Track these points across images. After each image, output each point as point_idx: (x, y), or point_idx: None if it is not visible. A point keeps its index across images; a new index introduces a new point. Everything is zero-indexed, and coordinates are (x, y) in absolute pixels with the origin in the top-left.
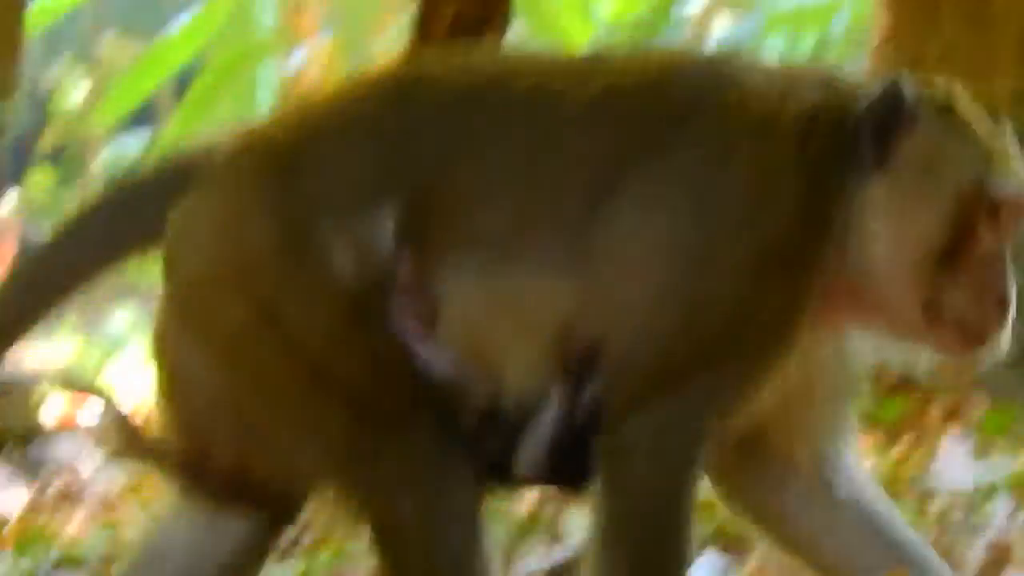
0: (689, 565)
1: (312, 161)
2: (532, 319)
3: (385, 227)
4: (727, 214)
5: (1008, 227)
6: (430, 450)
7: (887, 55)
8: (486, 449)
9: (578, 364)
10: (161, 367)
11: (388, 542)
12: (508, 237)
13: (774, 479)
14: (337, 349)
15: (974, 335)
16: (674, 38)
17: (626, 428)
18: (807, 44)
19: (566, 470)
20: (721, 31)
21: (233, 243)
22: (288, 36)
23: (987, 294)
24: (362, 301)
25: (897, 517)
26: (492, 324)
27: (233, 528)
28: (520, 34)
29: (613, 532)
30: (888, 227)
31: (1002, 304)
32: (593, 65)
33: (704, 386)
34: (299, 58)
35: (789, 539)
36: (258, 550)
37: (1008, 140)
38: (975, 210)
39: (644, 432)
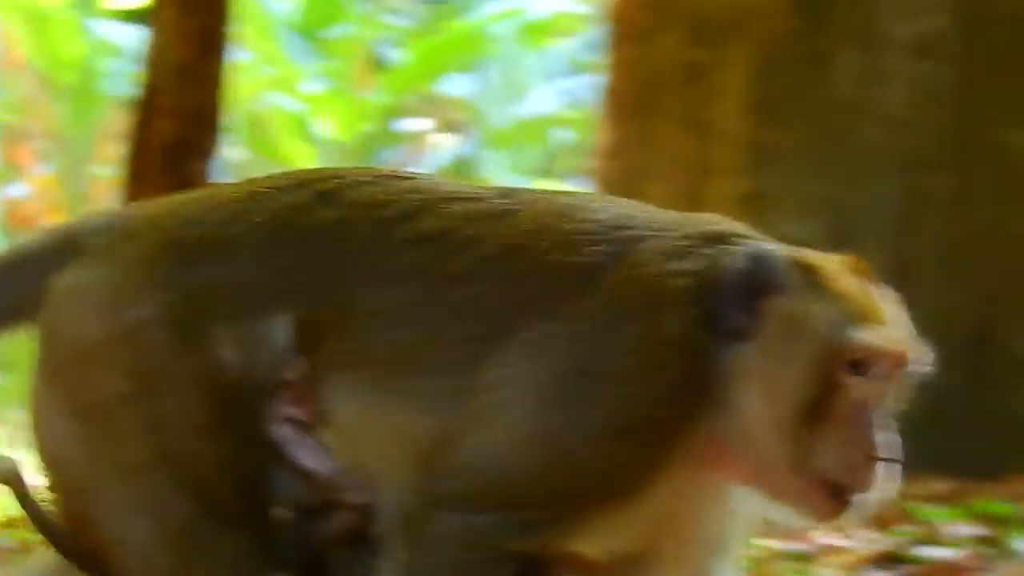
0: None
1: (213, 256)
2: (408, 442)
3: (278, 334)
4: (606, 385)
5: (879, 379)
6: (254, 555)
7: (612, 167)
8: (364, 565)
9: None
10: (36, 437)
11: None
12: (398, 367)
13: None
14: (203, 438)
15: (839, 493)
16: (394, 157)
17: (441, 517)
18: (527, 158)
19: None
20: (442, 148)
21: (119, 318)
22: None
23: (854, 450)
24: (241, 398)
25: None
26: (370, 441)
27: None
28: (241, 155)
29: None
30: (756, 391)
31: (869, 460)
32: (503, 209)
33: (529, 517)
34: (21, 188)
35: None
36: None
37: (875, 296)
38: (837, 366)
39: (454, 528)
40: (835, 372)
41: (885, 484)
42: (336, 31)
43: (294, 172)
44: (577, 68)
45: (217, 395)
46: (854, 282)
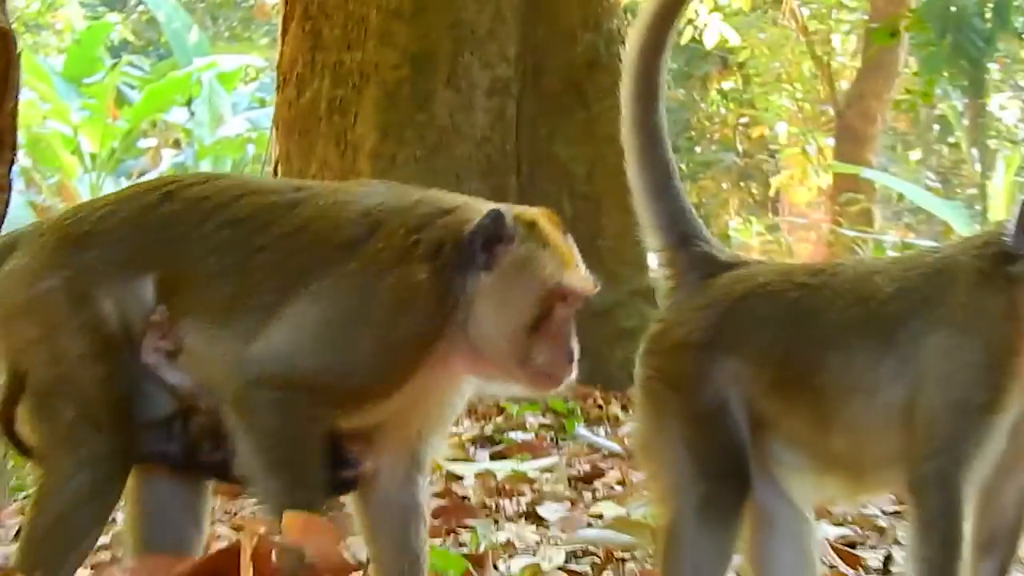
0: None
1: (95, 244)
2: (233, 361)
3: (146, 291)
4: (371, 317)
5: (574, 305)
6: (106, 456)
7: (283, 172)
8: (223, 451)
9: None
10: None
11: (40, 488)
12: (223, 308)
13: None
14: (87, 365)
15: (554, 378)
16: (136, 166)
17: (259, 394)
18: (226, 166)
19: None
20: (167, 160)
21: (34, 288)
22: None
23: (561, 350)
24: (115, 338)
25: (422, 531)
26: (212, 362)
27: None
28: (27, 163)
29: (258, 465)
30: (493, 310)
31: (570, 356)
32: (294, 199)
33: (322, 397)
34: None
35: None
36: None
37: (569, 243)
38: (553, 298)
39: (270, 400)
40: (552, 302)
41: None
42: (93, 78)
43: (147, 181)
44: (258, 103)
45: (100, 337)
46: (557, 233)
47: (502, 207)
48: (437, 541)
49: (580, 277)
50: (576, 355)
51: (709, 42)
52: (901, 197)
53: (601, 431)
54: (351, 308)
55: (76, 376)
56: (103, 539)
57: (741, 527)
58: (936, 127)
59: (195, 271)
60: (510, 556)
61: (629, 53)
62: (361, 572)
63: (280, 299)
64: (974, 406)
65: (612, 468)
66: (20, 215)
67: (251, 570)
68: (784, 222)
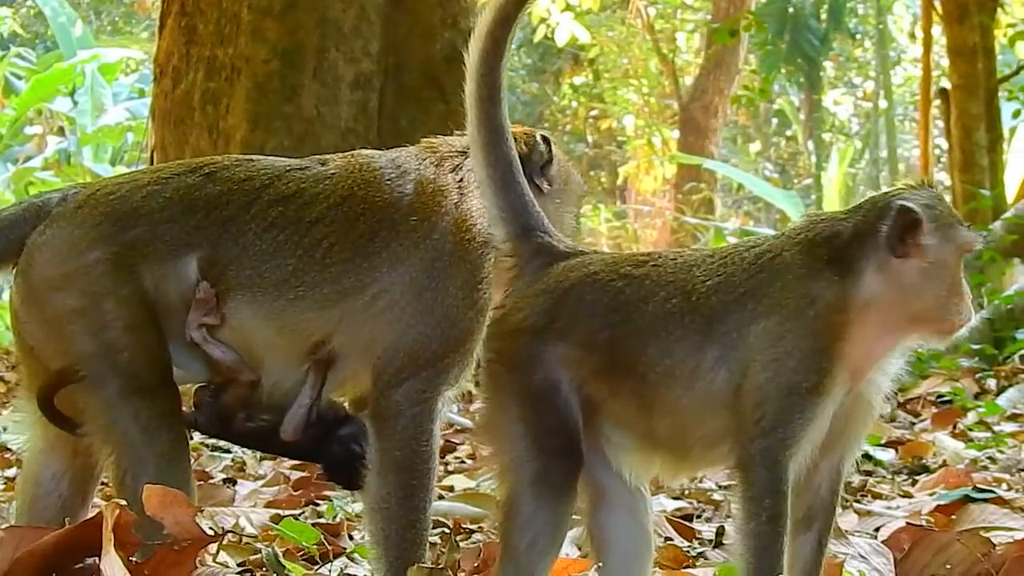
0: (433, 482)
1: (139, 223)
2: (295, 335)
3: (188, 269)
4: (454, 271)
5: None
6: (166, 414)
7: (158, 159)
8: (257, 420)
9: (324, 365)
10: (16, 335)
11: (118, 462)
12: (286, 282)
13: None
14: (132, 333)
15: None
16: (23, 151)
17: (394, 395)
18: (106, 151)
19: (315, 440)
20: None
21: (76, 260)
22: None
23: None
24: (154, 312)
25: None
26: (261, 337)
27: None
28: None
29: (388, 463)
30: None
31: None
32: (328, 173)
33: (444, 366)
34: None
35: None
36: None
37: None
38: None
39: (408, 396)
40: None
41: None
42: None
43: (185, 162)
44: (137, 94)
45: (144, 307)
46: None
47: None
48: (296, 512)
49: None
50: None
51: (561, 39)
52: (741, 187)
53: (454, 407)
54: (431, 270)
55: (122, 344)
56: None
57: (574, 501)
58: (774, 121)
59: (248, 249)
60: (363, 527)
61: (472, 57)
62: (218, 543)
63: (347, 270)
64: (803, 389)
65: (463, 443)
66: None
67: (112, 541)
68: (631, 209)
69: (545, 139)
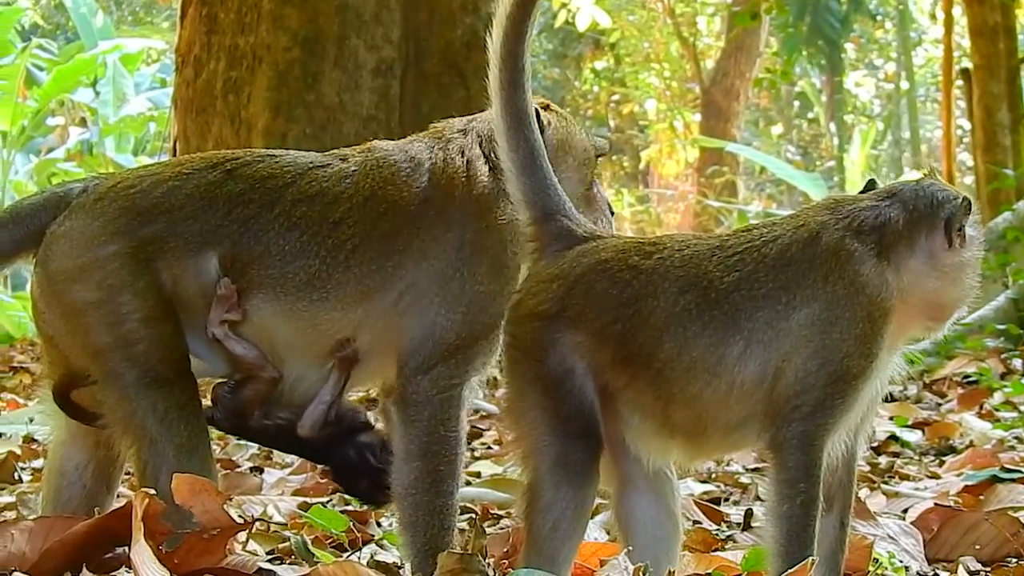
0: (460, 468)
1: (159, 218)
2: (319, 333)
3: (209, 266)
4: (477, 257)
5: None
6: (184, 405)
7: (182, 149)
8: (274, 417)
9: (348, 363)
10: (37, 325)
11: (139, 453)
12: (311, 282)
13: None
14: (149, 325)
15: None
16: (45, 143)
17: (422, 381)
18: (129, 142)
19: (331, 440)
20: (74, 136)
21: (94, 252)
22: None
23: None
24: (172, 304)
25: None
26: (282, 334)
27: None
28: None
29: (415, 449)
30: None
31: None
32: (349, 170)
33: (472, 353)
34: None
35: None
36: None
37: None
38: None
39: (435, 383)
40: None
41: None
42: (4, 60)
43: (206, 156)
44: (159, 84)
45: (161, 300)
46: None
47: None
48: (323, 500)
49: None
50: None
51: (582, 24)
52: (763, 169)
53: (480, 393)
54: (459, 258)
55: (139, 336)
56: (8, 498)
57: (596, 484)
58: (796, 103)
59: (271, 249)
60: (392, 513)
61: (494, 41)
62: (247, 531)
63: (376, 267)
64: (852, 374)
65: (490, 429)
66: None
67: (142, 530)
68: (653, 194)
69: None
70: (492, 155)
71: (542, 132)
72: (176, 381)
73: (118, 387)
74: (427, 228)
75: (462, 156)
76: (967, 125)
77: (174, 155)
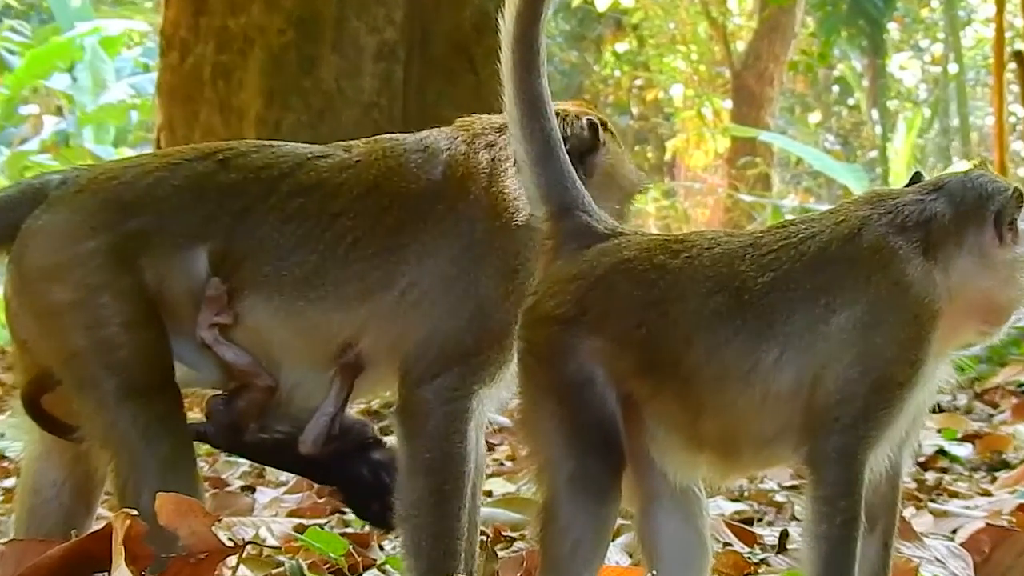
0: (467, 488)
1: (143, 211)
2: (317, 337)
3: (198, 262)
4: (486, 259)
5: None
6: (167, 417)
7: (167, 139)
8: (272, 431)
9: (351, 371)
10: (10, 328)
11: (119, 469)
12: (307, 280)
13: None
14: (129, 330)
15: None
16: (18, 132)
17: (424, 392)
18: (108, 132)
19: (336, 457)
20: (49, 126)
21: (73, 249)
22: None
23: None
24: (155, 307)
25: None
26: (278, 338)
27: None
28: None
29: (418, 466)
30: None
31: None
32: (351, 161)
33: (476, 362)
34: None
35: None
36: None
37: None
38: None
39: (438, 394)
40: None
41: None
42: None
43: (196, 146)
44: (142, 68)
45: (143, 303)
46: None
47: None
48: (321, 521)
49: None
50: None
51: (602, 4)
52: (800, 161)
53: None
54: (463, 257)
55: (120, 342)
56: None
57: (618, 503)
58: (835, 89)
59: (265, 244)
60: (395, 536)
61: (507, 21)
62: (237, 555)
63: (378, 262)
64: (896, 382)
65: (502, 444)
66: None
67: (123, 554)
68: (680, 187)
69: (593, 125)
70: None
71: (595, 151)
72: (159, 391)
73: (96, 396)
74: (435, 223)
75: (489, 152)
76: (1021, 112)
77: (158, 146)
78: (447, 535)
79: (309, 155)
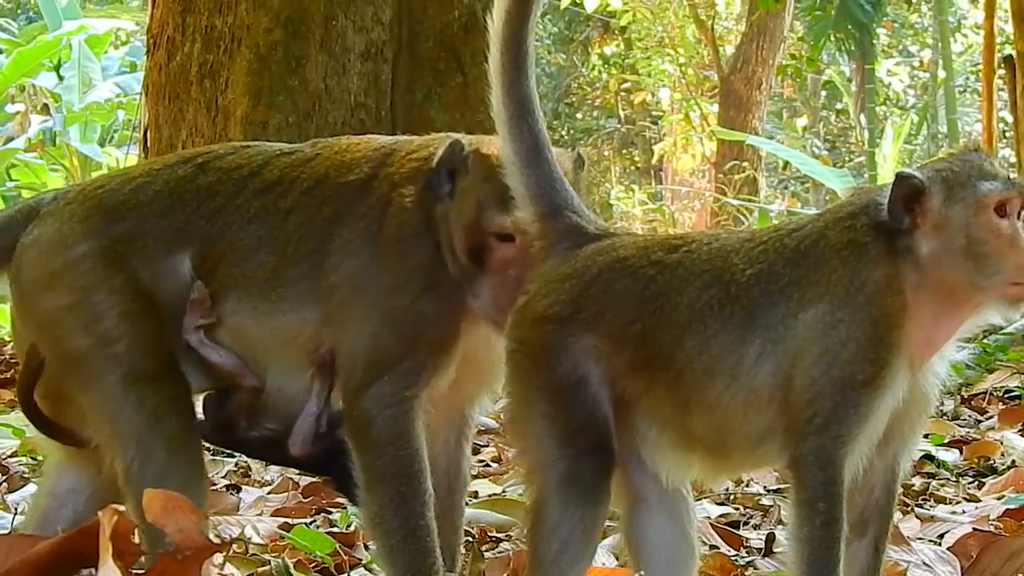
0: (426, 486)
1: (129, 216)
2: (288, 338)
3: (182, 266)
4: (403, 260)
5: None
6: (175, 400)
7: (154, 138)
8: (262, 429)
9: (328, 369)
10: (16, 344)
11: (123, 455)
12: (268, 281)
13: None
14: (129, 320)
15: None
16: (3, 131)
17: (363, 402)
18: (95, 131)
19: (327, 452)
20: (35, 125)
21: (64, 255)
22: None
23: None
24: (153, 302)
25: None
26: (258, 338)
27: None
28: None
29: (372, 475)
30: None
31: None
32: (311, 155)
33: (410, 366)
34: None
35: None
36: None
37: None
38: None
39: (376, 401)
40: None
41: None
42: None
43: (178, 153)
44: (129, 67)
45: (140, 296)
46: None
47: (463, 138)
48: (306, 521)
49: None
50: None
51: (590, 5)
52: (787, 165)
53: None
54: (384, 255)
55: (118, 333)
56: None
57: (607, 504)
58: (823, 93)
59: (234, 244)
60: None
61: (495, 23)
62: (223, 552)
63: (316, 263)
64: (858, 382)
65: (488, 445)
66: None
67: (110, 550)
68: (667, 190)
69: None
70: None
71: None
72: (164, 376)
73: (102, 389)
74: (355, 222)
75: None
76: (1010, 118)
77: (144, 145)
78: (416, 535)
79: (278, 152)
